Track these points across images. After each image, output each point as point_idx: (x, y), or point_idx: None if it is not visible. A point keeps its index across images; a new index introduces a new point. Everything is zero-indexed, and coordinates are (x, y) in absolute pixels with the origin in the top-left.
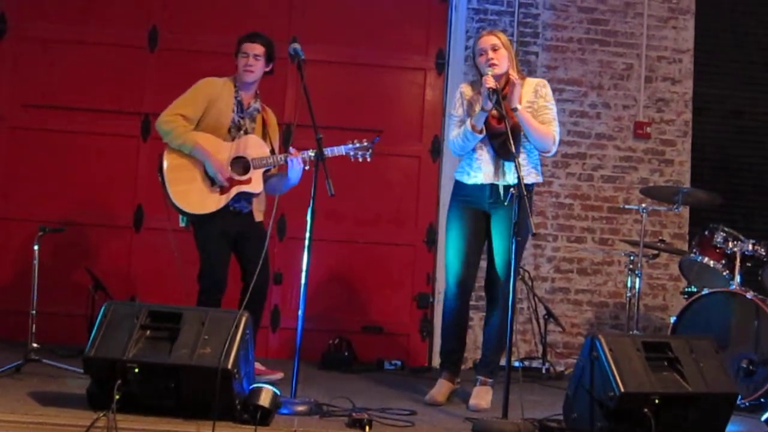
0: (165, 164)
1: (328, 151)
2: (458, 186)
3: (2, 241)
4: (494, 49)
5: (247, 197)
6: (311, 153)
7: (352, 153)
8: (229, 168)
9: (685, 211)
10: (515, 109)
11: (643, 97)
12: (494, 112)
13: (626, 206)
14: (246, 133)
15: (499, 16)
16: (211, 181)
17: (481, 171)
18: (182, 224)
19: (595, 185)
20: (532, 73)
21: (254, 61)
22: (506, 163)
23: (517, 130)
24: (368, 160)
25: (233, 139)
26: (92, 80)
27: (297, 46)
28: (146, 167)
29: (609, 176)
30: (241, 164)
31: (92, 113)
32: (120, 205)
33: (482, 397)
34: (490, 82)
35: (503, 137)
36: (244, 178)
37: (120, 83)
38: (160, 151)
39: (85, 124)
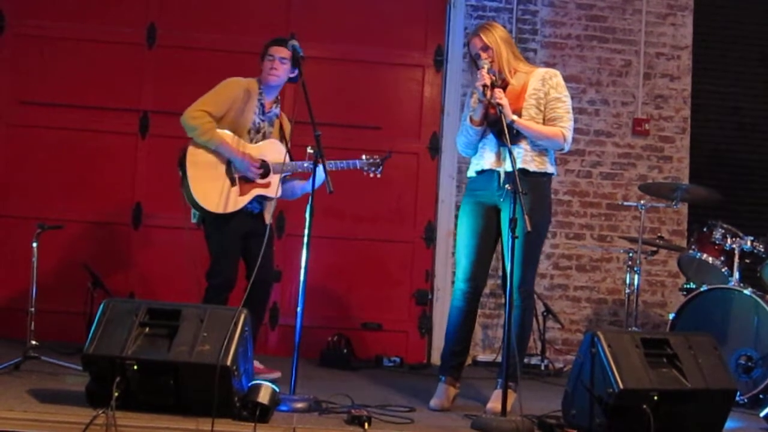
0: (188, 160)
1: (343, 165)
2: (469, 182)
3: (0, 239)
4: (484, 50)
5: (263, 200)
6: (336, 163)
7: (365, 168)
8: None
9: (683, 208)
10: (511, 122)
11: (642, 94)
12: (489, 102)
13: (625, 203)
14: (264, 136)
15: (498, 12)
16: (231, 181)
17: (483, 158)
18: (194, 220)
19: (594, 182)
20: None
21: (279, 64)
22: (507, 149)
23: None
24: (378, 176)
25: (251, 141)
26: (90, 77)
27: (295, 43)
28: (145, 164)
29: (608, 173)
30: (261, 168)
31: (90, 110)
32: (118, 202)
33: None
34: (484, 78)
35: (501, 124)
36: (264, 181)
37: (118, 80)
38: (181, 146)
39: (83, 121)
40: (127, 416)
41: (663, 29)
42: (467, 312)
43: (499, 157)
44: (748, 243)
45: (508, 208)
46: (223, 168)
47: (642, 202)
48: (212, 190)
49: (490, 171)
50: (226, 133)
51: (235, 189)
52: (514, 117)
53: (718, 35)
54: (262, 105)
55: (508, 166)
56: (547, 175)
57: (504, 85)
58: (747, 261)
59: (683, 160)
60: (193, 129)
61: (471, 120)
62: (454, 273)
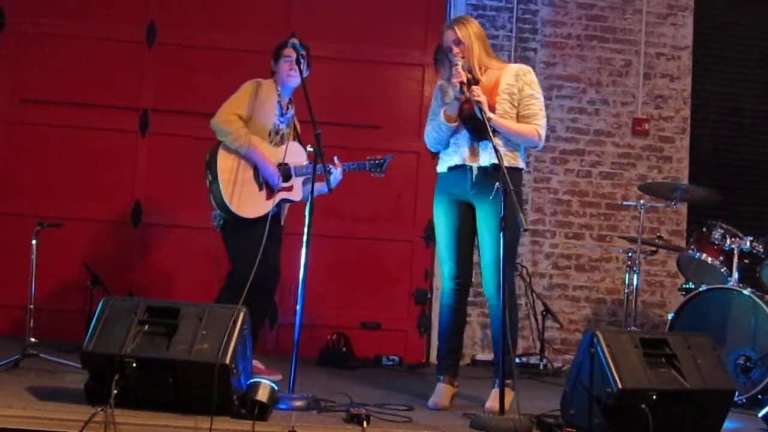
0: (219, 164)
1: (354, 166)
2: (440, 178)
3: (0, 237)
4: (456, 44)
5: (283, 203)
6: (348, 165)
7: (372, 169)
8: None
9: (683, 208)
10: (489, 119)
11: (642, 94)
12: (466, 98)
13: (624, 203)
14: (283, 138)
15: (498, 11)
16: (259, 186)
17: (456, 153)
18: (215, 222)
19: (594, 182)
20: None
21: (297, 65)
22: (481, 144)
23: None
24: (381, 176)
25: (271, 143)
26: (90, 75)
27: (296, 41)
28: (144, 163)
29: (607, 173)
30: (283, 171)
31: (90, 108)
32: (118, 200)
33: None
34: (461, 75)
35: (478, 119)
36: (288, 185)
37: (118, 78)
38: (208, 147)
39: (83, 119)
40: (126, 414)
41: (663, 29)
42: (457, 309)
43: (472, 153)
44: (748, 243)
45: (491, 207)
46: (251, 172)
47: (641, 202)
48: (241, 193)
49: (463, 167)
50: (256, 138)
51: (262, 193)
52: (492, 114)
53: (719, 36)
54: (281, 106)
55: (481, 162)
56: (519, 170)
57: (475, 82)
58: (746, 261)
59: (683, 160)
60: (228, 133)
61: (446, 117)
62: None
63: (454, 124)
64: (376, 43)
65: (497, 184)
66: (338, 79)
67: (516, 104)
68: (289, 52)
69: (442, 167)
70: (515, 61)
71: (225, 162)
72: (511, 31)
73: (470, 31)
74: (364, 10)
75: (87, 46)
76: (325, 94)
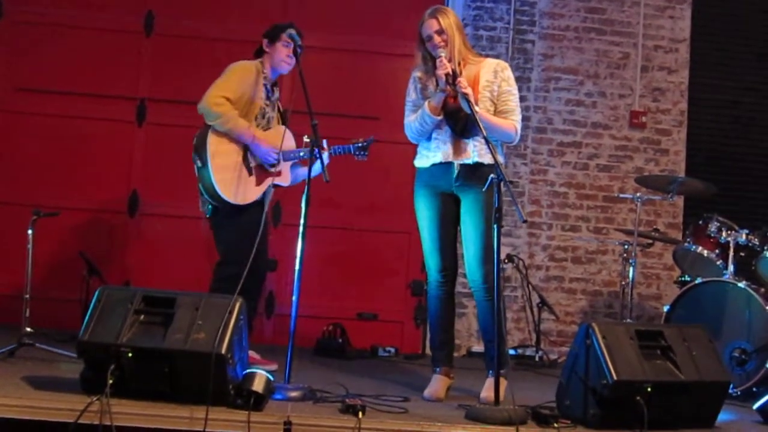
0: (209, 149)
1: (340, 150)
2: (419, 172)
3: None
4: (438, 34)
5: (270, 188)
6: (334, 149)
7: (355, 152)
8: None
9: (679, 201)
10: (476, 112)
11: (639, 87)
12: (451, 91)
13: (621, 195)
14: (269, 121)
15: (496, 3)
16: (249, 171)
17: (440, 150)
18: (203, 208)
19: (591, 174)
20: (528, 61)
21: (294, 55)
22: (464, 142)
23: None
24: (364, 160)
25: (257, 126)
26: (88, 65)
27: (293, 31)
28: (141, 152)
29: (604, 165)
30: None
31: (87, 98)
32: (115, 190)
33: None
34: (446, 66)
35: (461, 116)
36: (276, 170)
37: (115, 68)
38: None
39: (80, 108)
40: (122, 403)
41: (661, 22)
42: (446, 299)
43: (455, 149)
44: (744, 236)
45: (477, 198)
46: (240, 157)
47: (638, 194)
48: (231, 180)
49: (447, 164)
50: (244, 121)
51: (252, 179)
52: (477, 108)
53: (717, 29)
54: (268, 89)
55: (464, 159)
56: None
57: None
58: (742, 254)
59: (680, 153)
60: (217, 116)
61: (431, 108)
62: None
63: (439, 117)
64: (374, 33)
65: (491, 176)
66: (336, 70)
67: (495, 101)
68: (288, 39)
69: (423, 162)
70: (513, 54)
71: (215, 147)
72: (508, 23)
73: (451, 21)
74: (361, 1)
75: (84, 35)
76: (323, 85)
